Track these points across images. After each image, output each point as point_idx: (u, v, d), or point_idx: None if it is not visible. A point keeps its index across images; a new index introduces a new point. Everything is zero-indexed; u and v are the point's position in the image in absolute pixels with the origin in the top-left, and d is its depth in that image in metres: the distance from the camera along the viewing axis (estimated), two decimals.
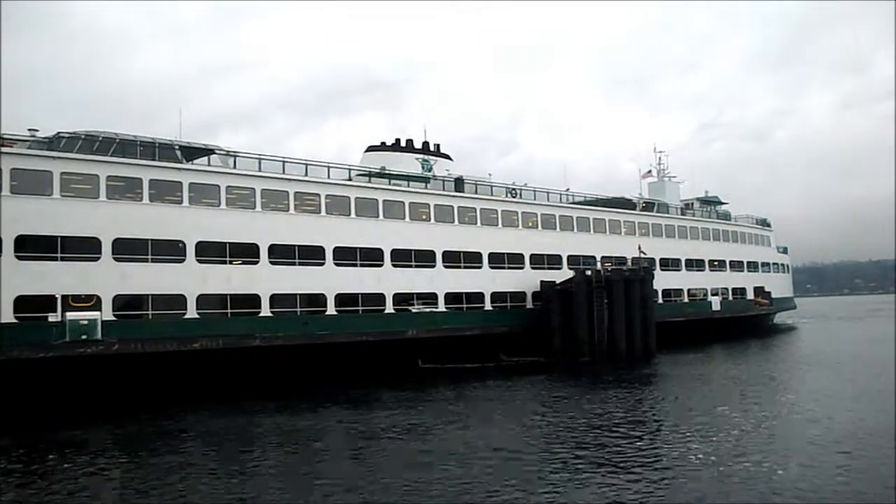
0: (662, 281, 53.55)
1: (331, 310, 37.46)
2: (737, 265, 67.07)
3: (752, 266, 69.88)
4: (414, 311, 41.00)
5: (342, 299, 37.92)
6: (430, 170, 48.32)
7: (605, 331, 43.64)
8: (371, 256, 39.61)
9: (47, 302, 29.11)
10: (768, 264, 73.68)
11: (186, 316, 32.63)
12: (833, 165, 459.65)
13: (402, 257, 40.95)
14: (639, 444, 19.30)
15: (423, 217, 42.93)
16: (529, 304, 46.51)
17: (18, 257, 28.79)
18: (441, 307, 42.23)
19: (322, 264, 37.58)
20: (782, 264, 78.35)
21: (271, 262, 35.67)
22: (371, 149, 48.42)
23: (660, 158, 70.78)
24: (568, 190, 55.00)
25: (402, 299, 40.58)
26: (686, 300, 59.21)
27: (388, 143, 49.19)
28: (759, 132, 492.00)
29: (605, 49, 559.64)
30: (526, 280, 46.60)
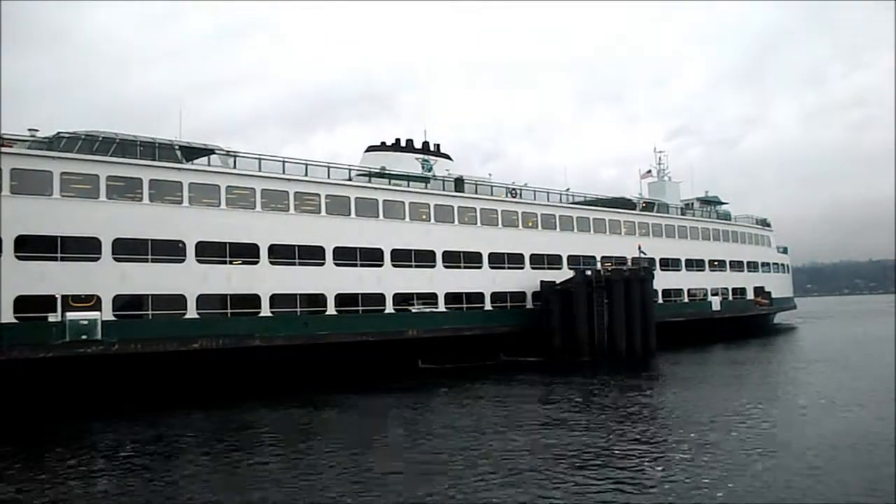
0: (662, 281, 53.57)
1: (331, 310, 37.46)
2: (737, 265, 67.08)
3: (752, 266, 69.89)
4: (414, 311, 41.00)
5: (342, 299, 37.92)
6: (430, 170, 48.32)
7: (605, 331, 43.74)
8: (371, 256, 39.61)
9: (47, 302, 29.10)
10: (768, 264, 73.69)
11: (186, 316, 32.63)
12: (809, 169, 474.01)
13: (402, 257, 40.95)
14: (637, 443, 19.29)
15: (423, 217, 42.94)
16: (529, 304, 46.51)
17: (18, 257, 28.78)
18: (441, 307, 42.24)
19: (322, 264, 37.58)
20: (782, 264, 78.36)
21: (271, 263, 35.66)
22: (371, 149, 48.39)
23: (659, 158, 70.88)
24: (568, 190, 55.06)
25: (402, 299, 40.58)
26: (686, 300, 59.23)
27: (388, 143, 49.18)
28: (733, 140, 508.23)
29: (581, 62, 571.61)
30: (526, 280, 46.61)
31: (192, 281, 33.01)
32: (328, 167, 40.43)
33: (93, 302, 30.10)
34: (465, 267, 44.04)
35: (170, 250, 32.69)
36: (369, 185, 41.63)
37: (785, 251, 79.81)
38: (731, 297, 64.66)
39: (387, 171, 43.69)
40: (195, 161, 35.57)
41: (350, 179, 41.76)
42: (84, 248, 30.41)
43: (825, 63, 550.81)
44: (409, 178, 44.50)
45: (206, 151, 36.15)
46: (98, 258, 30.70)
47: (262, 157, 37.58)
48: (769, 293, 70.39)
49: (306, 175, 38.73)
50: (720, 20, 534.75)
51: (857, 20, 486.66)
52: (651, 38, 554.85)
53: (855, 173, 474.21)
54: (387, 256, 40.29)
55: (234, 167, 36.31)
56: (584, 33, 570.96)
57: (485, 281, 44.83)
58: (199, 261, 33.38)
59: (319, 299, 37.32)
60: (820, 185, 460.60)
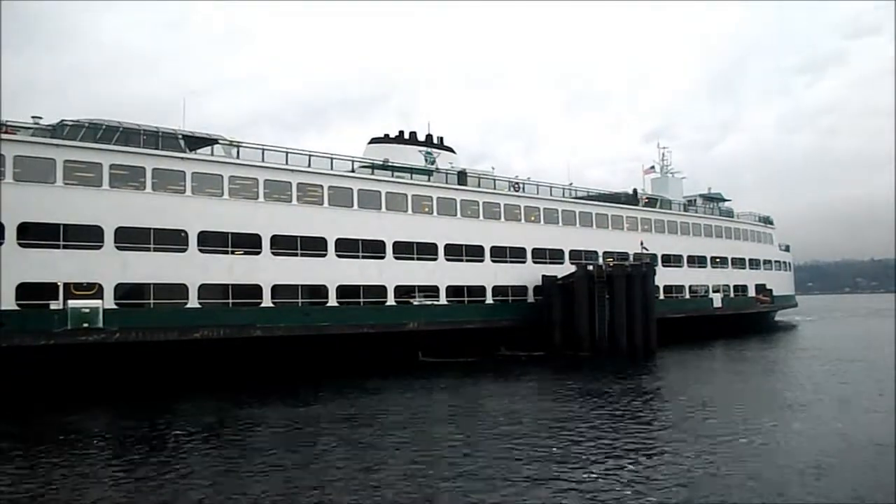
0: (664, 277, 53.54)
1: (332, 301, 37.51)
2: (739, 262, 67.01)
3: (754, 263, 69.81)
4: (415, 303, 41.03)
5: (344, 291, 37.95)
6: (433, 162, 48.25)
7: (606, 326, 43.70)
8: (373, 248, 39.63)
9: (49, 289, 29.16)
10: (770, 262, 73.59)
11: (188, 305, 32.69)
12: (784, 172, 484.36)
13: (404, 250, 40.95)
14: (635, 439, 19.28)
15: (426, 210, 42.91)
16: (531, 299, 46.52)
17: (21, 244, 28.82)
18: (442, 300, 42.26)
19: (324, 256, 37.61)
20: (784, 262, 78.28)
21: (273, 253, 35.68)
22: (374, 141, 48.32)
23: (663, 154, 70.77)
24: (571, 185, 55.02)
25: (403, 292, 40.61)
26: (687, 296, 59.22)
27: (391, 135, 49.04)
28: (710, 143, 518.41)
29: (563, 67, 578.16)
30: (528, 274, 46.61)
31: (193, 270, 33.05)
32: (331, 159, 40.31)
33: (94, 290, 30.16)
34: (467, 260, 44.05)
35: (172, 239, 32.71)
36: (372, 177, 41.60)
37: (787, 249, 79.74)
38: (732, 294, 64.62)
39: (390, 164, 43.63)
40: (198, 151, 35.50)
41: (353, 171, 41.70)
42: (86, 237, 30.45)
43: (792, 73, 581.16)
44: (412, 170, 44.46)
45: (210, 141, 36.10)
46: (100, 246, 30.72)
47: (265, 147, 37.54)
48: (770, 291, 70.31)
49: (309, 166, 38.68)
50: (694, 33, 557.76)
51: (815, 37, 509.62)
52: (630, 45, 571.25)
53: (829, 176, 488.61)
54: (389, 248, 40.29)
55: (238, 157, 36.29)
56: (564, 38, 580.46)
57: (486, 274, 44.84)
58: (201, 250, 33.40)
59: (321, 290, 37.35)
60: (797, 187, 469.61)
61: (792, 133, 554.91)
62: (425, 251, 41.97)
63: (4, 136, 29.38)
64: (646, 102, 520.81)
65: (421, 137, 49.94)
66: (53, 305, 29.02)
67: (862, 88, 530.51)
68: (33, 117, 31.87)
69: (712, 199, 71.19)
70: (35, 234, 29.25)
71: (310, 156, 39.15)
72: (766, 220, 75.74)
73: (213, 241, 33.88)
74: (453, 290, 43.01)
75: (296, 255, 36.53)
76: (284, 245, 36.20)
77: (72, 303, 29.13)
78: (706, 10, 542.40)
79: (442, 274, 42.54)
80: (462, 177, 46.73)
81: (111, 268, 30.82)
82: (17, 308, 28.28)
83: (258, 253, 35.25)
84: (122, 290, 31.12)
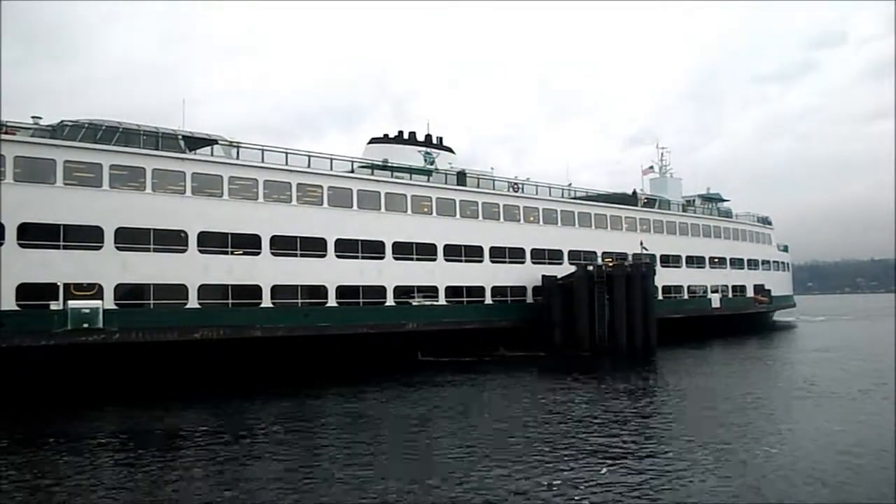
0: (663, 277, 53.60)
1: (331, 302, 37.56)
2: (737, 262, 67.12)
3: (753, 264, 69.92)
4: (414, 304, 41.09)
5: (343, 291, 38.00)
6: (432, 163, 48.31)
7: (606, 326, 43.77)
8: (372, 249, 39.68)
9: (49, 290, 29.19)
10: (769, 262, 73.71)
11: (188, 306, 32.73)
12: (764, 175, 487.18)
13: (404, 250, 41.01)
14: (634, 439, 19.35)
15: (425, 210, 42.97)
16: (530, 299, 46.58)
17: (21, 245, 28.86)
18: (442, 300, 42.31)
19: (323, 256, 37.67)
20: (783, 262, 78.41)
21: (273, 254, 35.72)
22: (374, 141, 48.36)
23: (662, 154, 70.82)
24: (570, 185, 55.13)
25: (402, 292, 40.67)
26: (686, 297, 59.31)
27: (391, 135, 49.09)
28: (693, 147, 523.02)
29: (549, 71, 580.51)
30: (527, 274, 46.68)
31: (193, 271, 33.10)
32: (331, 159, 40.40)
33: (94, 290, 30.20)
34: (467, 261, 44.11)
35: (172, 240, 32.76)
36: (372, 177, 41.64)
37: (785, 249, 79.87)
38: (730, 295, 64.73)
39: (389, 164, 43.69)
40: (198, 151, 35.54)
41: (352, 171, 41.75)
42: (86, 237, 30.49)
43: (768, 81, 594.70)
44: (411, 170, 44.52)
45: (210, 142, 36.14)
46: (100, 247, 30.77)
47: (264, 148, 37.60)
48: (769, 291, 70.42)
49: (309, 167, 38.74)
50: (677, 38, 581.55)
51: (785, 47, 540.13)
52: (613, 52, 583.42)
53: (816, 177, 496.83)
54: (388, 249, 40.35)
55: (237, 158, 36.34)
56: (551, 44, 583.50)
57: (486, 275, 44.91)
58: (200, 251, 33.45)
59: (320, 291, 37.40)
60: (789, 189, 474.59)
61: (773, 137, 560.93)
62: (424, 252, 42.02)
63: (4, 136, 29.41)
64: (629, 108, 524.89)
65: (420, 137, 49.98)
66: (53, 306, 29.05)
67: (833, 96, 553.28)
68: (33, 117, 31.92)
69: (711, 199, 71.30)
70: (35, 235, 29.28)
71: (309, 156, 39.22)
72: (765, 221, 75.85)
73: (212, 242, 33.93)
74: (452, 291, 43.07)
75: (295, 255, 36.58)
76: (284, 245, 36.24)
77: (72, 303, 29.15)
78: (689, 16, 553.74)
79: (441, 274, 42.59)
80: (461, 177, 46.78)
81: (111, 268, 30.85)
82: (17, 308, 28.31)
83: (258, 253, 35.30)
84: (122, 291, 31.16)
